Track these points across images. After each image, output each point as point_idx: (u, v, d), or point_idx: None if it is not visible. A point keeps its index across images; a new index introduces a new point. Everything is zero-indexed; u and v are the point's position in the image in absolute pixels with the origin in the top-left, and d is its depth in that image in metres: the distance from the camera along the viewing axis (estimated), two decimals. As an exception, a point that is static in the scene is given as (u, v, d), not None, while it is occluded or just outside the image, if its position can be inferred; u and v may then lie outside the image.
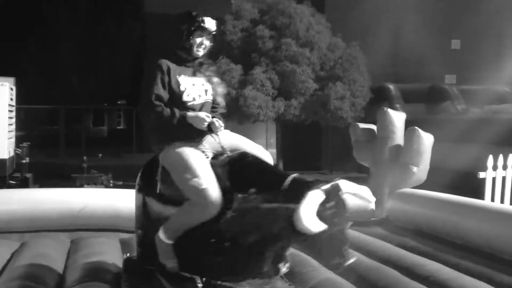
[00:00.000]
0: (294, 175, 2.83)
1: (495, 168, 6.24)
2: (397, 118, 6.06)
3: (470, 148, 8.64)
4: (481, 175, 6.20)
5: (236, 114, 11.75)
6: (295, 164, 14.74)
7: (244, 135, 3.50)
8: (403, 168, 5.81)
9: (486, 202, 5.50)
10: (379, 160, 6.10)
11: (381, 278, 3.28)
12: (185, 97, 3.03)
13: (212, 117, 3.02)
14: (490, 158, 6.20)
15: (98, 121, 24.34)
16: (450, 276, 3.31)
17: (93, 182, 9.04)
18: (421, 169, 5.79)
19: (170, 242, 2.88)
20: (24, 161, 9.69)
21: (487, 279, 3.29)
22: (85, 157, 10.73)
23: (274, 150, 13.74)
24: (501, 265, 3.59)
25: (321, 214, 2.62)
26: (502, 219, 3.96)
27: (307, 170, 15.29)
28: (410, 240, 4.32)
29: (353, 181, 5.79)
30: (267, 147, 15.51)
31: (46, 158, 14.52)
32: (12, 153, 9.08)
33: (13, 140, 9.38)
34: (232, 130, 3.42)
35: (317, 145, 16.08)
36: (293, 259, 3.62)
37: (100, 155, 12.77)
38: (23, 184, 8.93)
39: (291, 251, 3.86)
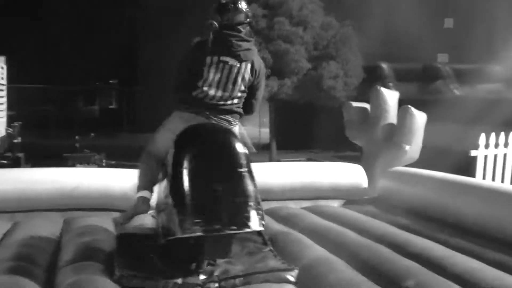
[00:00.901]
0: None
1: (487, 146, 6.27)
2: (390, 97, 6.06)
3: (462, 127, 8.66)
4: (473, 153, 6.23)
5: (229, 93, 11.70)
6: (288, 143, 14.76)
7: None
8: (395, 147, 5.82)
9: (478, 180, 5.53)
10: (371, 139, 6.10)
11: (373, 255, 3.30)
12: None
13: None
14: (482, 136, 6.22)
15: (90, 100, 24.17)
16: (442, 253, 3.33)
17: (86, 162, 9.01)
18: (413, 148, 5.80)
19: None
20: (15, 141, 9.63)
21: (478, 256, 3.32)
22: (77, 137, 10.69)
23: (267, 130, 13.73)
24: (491, 242, 3.62)
25: None
26: (493, 197, 3.99)
27: (300, 149, 15.30)
28: (402, 219, 4.34)
29: (346, 161, 5.80)
30: (260, 126, 15.49)
31: (38, 138, 14.43)
32: (3, 133, 9.03)
33: (5, 119, 9.32)
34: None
35: (310, 124, 16.07)
36: (286, 238, 3.64)
37: (93, 134, 12.71)
38: (14, 163, 8.89)
39: (285, 230, 3.88)
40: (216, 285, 2.90)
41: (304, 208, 4.74)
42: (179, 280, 2.87)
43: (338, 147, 14.00)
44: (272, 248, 3.38)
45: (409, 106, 5.76)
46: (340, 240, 3.64)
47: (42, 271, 3.11)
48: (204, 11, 3.59)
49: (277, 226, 3.94)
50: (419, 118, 5.76)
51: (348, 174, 5.21)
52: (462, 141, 7.61)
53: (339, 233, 3.81)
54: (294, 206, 4.78)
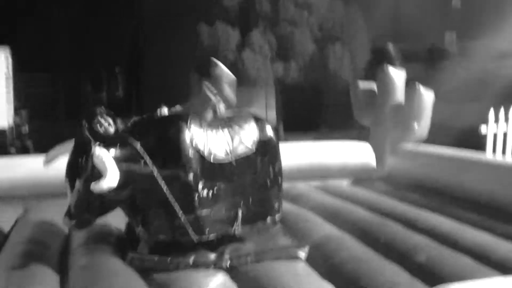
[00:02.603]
0: None
1: (496, 122, 6.24)
2: (397, 76, 6.02)
3: (471, 105, 8.61)
4: (483, 130, 6.20)
5: (234, 78, 11.70)
6: (295, 126, 14.74)
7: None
8: (403, 126, 5.80)
9: (487, 156, 5.51)
10: (379, 118, 6.08)
11: (384, 232, 3.30)
12: None
13: None
14: (491, 113, 6.19)
15: (97, 88, 24.21)
16: (452, 228, 3.33)
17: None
18: (422, 126, 5.77)
19: None
20: (23, 129, 9.69)
21: (488, 229, 3.31)
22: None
23: (274, 113, 13.71)
24: (502, 216, 3.61)
25: None
26: (503, 172, 3.97)
27: (307, 131, 15.28)
28: (412, 195, 4.34)
29: (353, 141, 5.79)
30: (266, 110, 15.47)
31: (45, 126, 14.49)
32: (11, 122, 9.08)
33: (12, 108, 9.37)
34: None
35: (317, 107, 16.04)
36: (296, 217, 3.65)
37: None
38: (23, 151, 8.94)
39: (294, 209, 3.88)
40: (228, 263, 2.92)
41: (313, 188, 4.75)
42: (190, 260, 2.89)
43: (345, 129, 13.96)
44: (281, 226, 3.39)
45: (417, 84, 5.72)
46: (350, 218, 3.65)
47: (54, 255, 3.13)
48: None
49: (286, 206, 3.94)
50: (427, 96, 5.73)
51: (357, 152, 5.20)
52: (471, 118, 7.57)
53: (349, 211, 3.82)
54: (303, 186, 4.79)
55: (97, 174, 2.72)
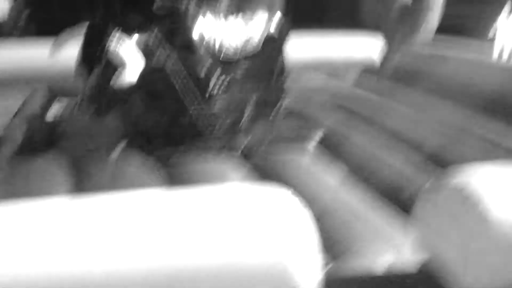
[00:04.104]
0: None
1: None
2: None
3: None
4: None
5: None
6: (301, 22, 14.39)
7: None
8: (413, 17, 5.61)
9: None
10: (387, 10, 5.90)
11: (393, 118, 3.24)
12: None
13: None
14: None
15: None
16: (464, 119, 3.18)
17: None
18: (432, 18, 5.57)
19: None
20: (24, 12, 9.44)
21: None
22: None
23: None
24: None
25: None
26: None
27: (312, 27, 14.93)
28: (421, 95, 4.22)
29: (360, 35, 5.60)
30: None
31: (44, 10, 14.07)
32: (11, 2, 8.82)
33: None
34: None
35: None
36: (301, 107, 3.66)
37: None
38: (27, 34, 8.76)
39: (299, 100, 3.85)
40: (242, 146, 2.91)
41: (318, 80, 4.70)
42: (203, 146, 2.95)
43: (352, 25, 13.63)
44: (285, 120, 3.45)
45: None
46: (358, 106, 3.60)
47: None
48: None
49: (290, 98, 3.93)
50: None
51: (363, 47, 5.04)
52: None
53: (356, 99, 3.76)
54: (308, 78, 4.73)
55: (115, 66, 2.57)
